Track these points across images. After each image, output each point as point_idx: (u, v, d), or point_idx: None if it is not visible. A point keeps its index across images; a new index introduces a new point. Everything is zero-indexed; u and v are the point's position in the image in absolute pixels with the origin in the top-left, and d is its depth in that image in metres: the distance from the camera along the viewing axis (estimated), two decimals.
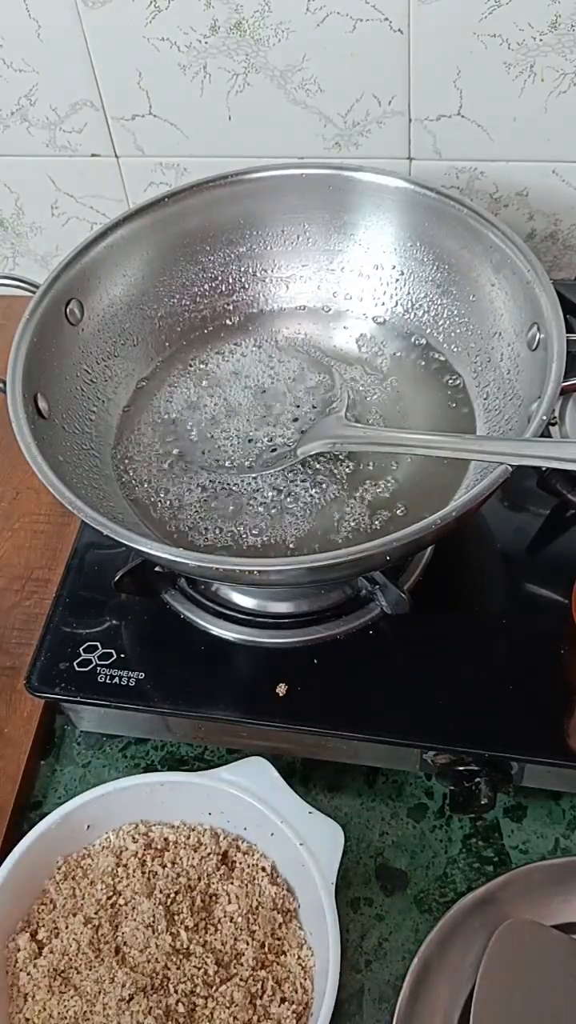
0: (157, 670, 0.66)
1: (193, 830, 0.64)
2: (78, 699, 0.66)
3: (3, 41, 0.82)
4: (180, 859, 0.62)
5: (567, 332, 0.62)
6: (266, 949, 0.59)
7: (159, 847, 0.63)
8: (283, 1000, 0.58)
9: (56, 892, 0.62)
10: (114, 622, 0.69)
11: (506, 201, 0.85)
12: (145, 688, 0.65)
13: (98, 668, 0.66)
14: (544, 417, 0.58)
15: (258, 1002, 0.57)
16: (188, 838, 0.63)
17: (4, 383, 0.64)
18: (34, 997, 0.58)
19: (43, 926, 0.61)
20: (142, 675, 0.66)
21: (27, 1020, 0.58)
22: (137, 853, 0.63)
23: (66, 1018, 0.57)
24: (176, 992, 0.57)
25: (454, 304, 0.74)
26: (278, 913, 0.60)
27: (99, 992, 0.57)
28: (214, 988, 0.58)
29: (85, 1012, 0.57)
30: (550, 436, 0.65)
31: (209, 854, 0.62)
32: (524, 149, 0.81)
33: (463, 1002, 0.57)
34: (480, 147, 0.81)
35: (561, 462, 0.56)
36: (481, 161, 0.82)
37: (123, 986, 0.57)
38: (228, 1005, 0.57)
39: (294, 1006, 0.57)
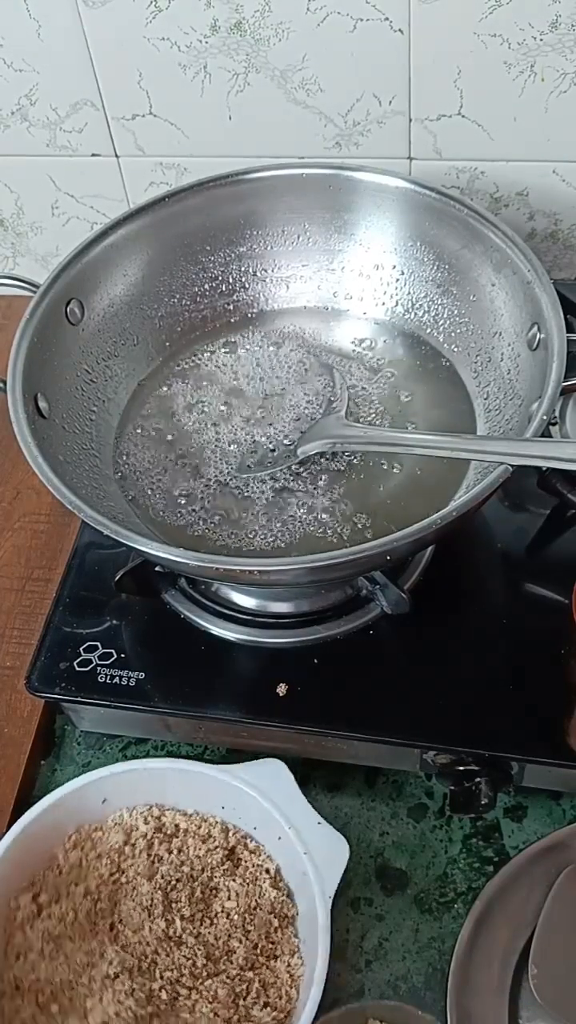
0: (157, 670, 0.66)
1: (205, 820, 0.63)
2: (78, 699, 0.66)
3: (3, 41, 0.82)
4: (187, 847, 0.62)
5: (567, 332, 0.62)
6: (258, 951, 0.59)
7: (169, 832, 0.63)
8: (266, 1005, 0.57)
9: (64, 859, 0.62)
10: (114, 622, 0.69)
11: (506, 201, 0.85)
12: (145, 688, 0.65)
13: (98, 668, 0.66)
14: (544, 417, 0.58)
15: (241, 1002, 0.57)
16: (199, 828, 0.63)
17: (4, 383, 0.64)
18: (26, 957, 0.58)
19: (46, 890, 0.61)
20: (142, 675, 0.66)
21: (15, 978, 0.58)
22: (146, 835, 0.63)
23: (52, 983, 0.57)
24: (161, 978, 0.57)
25: (454, 304, 0.74)
26: (275, 917, 0.60)
27: (87, 964, 0.57)
28: (200, 981, 0.57)
29: (70, 981, 0.57)
30: (550, 436, 0.65)
31: (216, 847, 0.62)
32: (524, 149, 0.81)
33: (523, 944, 0.57)
34: (480, 147, 0.81)
35: (561, 462, 0.57)
36: (481, 161, 0.82)
37: (110, 963, 0.57)
38: (210, 1000, 0.56)
39: (275, 1013, 0.57)
